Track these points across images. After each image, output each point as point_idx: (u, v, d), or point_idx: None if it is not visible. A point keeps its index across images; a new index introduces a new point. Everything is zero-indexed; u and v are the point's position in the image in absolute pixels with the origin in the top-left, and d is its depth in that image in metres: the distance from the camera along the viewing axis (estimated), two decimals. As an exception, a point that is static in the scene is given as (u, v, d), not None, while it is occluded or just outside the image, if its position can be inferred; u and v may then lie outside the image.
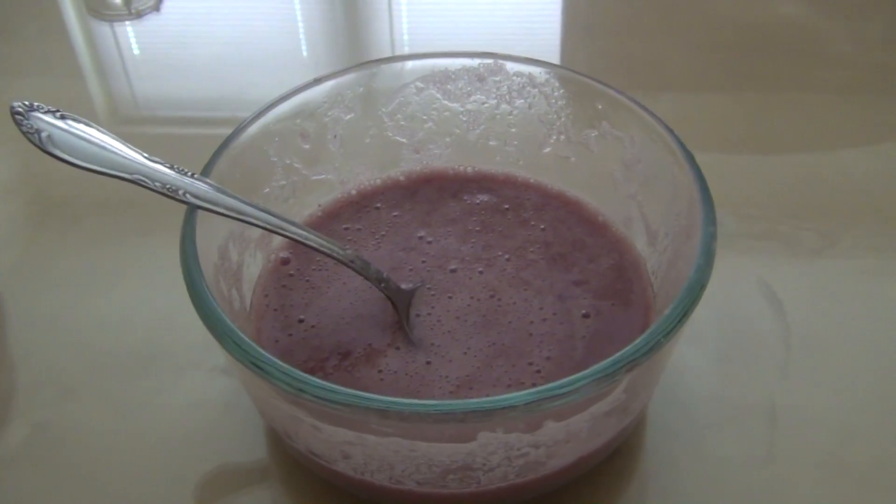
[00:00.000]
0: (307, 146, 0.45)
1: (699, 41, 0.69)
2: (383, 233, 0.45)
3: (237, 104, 0.63)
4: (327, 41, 0.74)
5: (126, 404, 0.43)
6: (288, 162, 0.44)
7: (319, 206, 0.46)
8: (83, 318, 0.47)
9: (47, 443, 0.41)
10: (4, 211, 0.54)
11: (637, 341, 0.31)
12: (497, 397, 0.29)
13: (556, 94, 0.45)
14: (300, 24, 0.76)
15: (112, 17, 0.74)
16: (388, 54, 0.69)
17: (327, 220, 0.46)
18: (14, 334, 0.47)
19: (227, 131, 0.41)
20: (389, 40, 0.72)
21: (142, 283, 0.49)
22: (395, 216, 0.46)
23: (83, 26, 0.74)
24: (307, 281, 0.43)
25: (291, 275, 0.43)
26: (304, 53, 0.73)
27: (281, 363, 0.31)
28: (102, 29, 0.73)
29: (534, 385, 0.37)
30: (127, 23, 0.74)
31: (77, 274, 0.50)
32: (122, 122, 0.64)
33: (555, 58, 0.68)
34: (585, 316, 0.40)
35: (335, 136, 0.46)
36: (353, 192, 0.47)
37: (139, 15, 0.75)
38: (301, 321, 0.41)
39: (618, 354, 0.31)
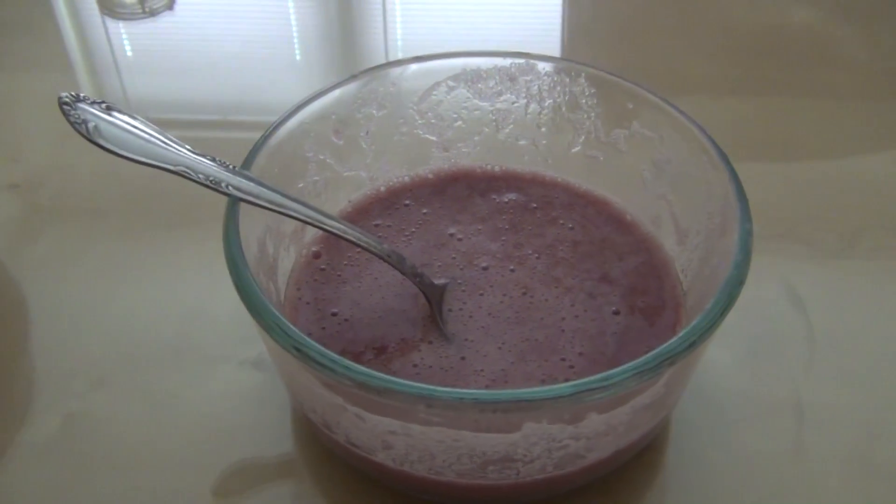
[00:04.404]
0: (340, 142, 0.45)
1: (712, 46, 0.70)
2: (413, 230, 0.45)
3: (251, 106, 0.64)
4: (322, 45, 0.75)
5: (155, 396, 0.43)
6: (321, 158, 0.45)
7: (350, 202, 0.47)
8: (113, 310, 0.47)
9: (78, 433, 0.42)
10: (33, 204, 0.55)
11: (680, 335, 0.32)
12: (544, 387, 0.30)
13: (586, 93, 0.45)
14: (294, 28, 0.77)
15: (125, 15, 0.74)
16: (381, 58, 0.70)
17: (357, 216, 0.46)
18: (45, 326, 0.47)
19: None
20: (383, 43, 0.73)
21: (170, 276, 0.49)
22: (424, 213, 0.46)
23: (97, 24, 0.74)
24: (338, 275, 0.43)
25: (323, 269, 0.44)
26: (298, 57, 0.73)
27: (328, 351, 0.31)
28: (116, 27, 0.73)
29: (567, 380, 0.38)
30: (120, 23, 0.74)
31: (106, 267, 0.50)
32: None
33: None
34: (616, 313, 0.41)
35: (367, 133, 0.46)
36: (383, 188, 0.48)
37: (153, 14, 0.75)
38: (334, 314, 0.41)
39: (660, 348, 0.32)
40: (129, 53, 0.71)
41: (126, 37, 0.73)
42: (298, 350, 0.32)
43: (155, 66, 0.70)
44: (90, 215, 0.54)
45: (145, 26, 0.73)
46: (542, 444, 0.33)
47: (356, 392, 0.31)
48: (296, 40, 0.74)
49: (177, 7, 0.76)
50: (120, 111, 0.36)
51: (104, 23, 0.73)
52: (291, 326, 0.32)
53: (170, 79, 0.68)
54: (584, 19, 0.76)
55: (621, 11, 0.75)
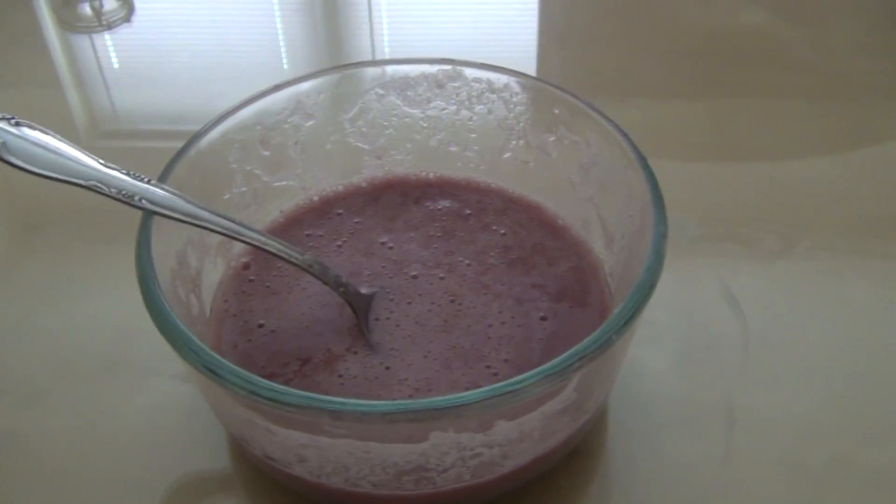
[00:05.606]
0: (267, 153, 0.45)
1: (668, 49, 0.70)
2: (345, 238, 0.45)
3: (211, 115, 0.63)
4: (307, 51, 0.75)
5: (89, 411, 0.43)
6: (248, 168, 0.44)
7: (281, 212, 0.47)
8: (45, 325, 0.47)
9: (9, 449, 0.41)
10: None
11: (586, 340, 0.32)
12: (446, 397, 0.30)
13: (514, 99, 0.45)
14: (280, 34, 0.76)
15: (82, 28, 0.74)
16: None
17: (289, 227, 0.46)
18: (-25, 342, 0.47)
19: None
20: (370, 50, 0.73)
21: (104, 290, 0.49)
22: (356, 222, 0.46)
23: (54, 37, 0.74)
24: (267, 286, 0.43)
25: (251, 280, 0.43)
26: (285, 64, 0.73)
27: (232, 366, 0.31)
28: (73, 40, 0.73)
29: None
30: (93, 34, 0.74)
31: (40, 281, 0.50)
32: (97, 134, 0.64)
33: (531, 65, 0.69)
34: (543, 318, 0.41)
35: (296, 143, 0.46)
36: (315, 198, 0.47)
37: (110, 26, 0.75)
38: (261, 326, 0.41)
39: (567, 353, 0.31)
40: (85, 66, 0.71)
41: (82, 50, 0.72)
42: (206, 368, 0.31)
43: (114, 79, 0.70)
44: (24, 231, 0.54)
45: (103, 39, 0.73)
46: (454, 454, 0.32)
47: (262, 406, 0.31)
48: (282, 47, 0.74)
49: (134, 19, 0.75)
50: (30, 126, 0.36)
51: (61, 36, 0.73)
52: (195, 339, 0.32)
53: (132, 91, 0.68)
54: (557, 19, 0.76)
55: (592, 17, 0.75)
